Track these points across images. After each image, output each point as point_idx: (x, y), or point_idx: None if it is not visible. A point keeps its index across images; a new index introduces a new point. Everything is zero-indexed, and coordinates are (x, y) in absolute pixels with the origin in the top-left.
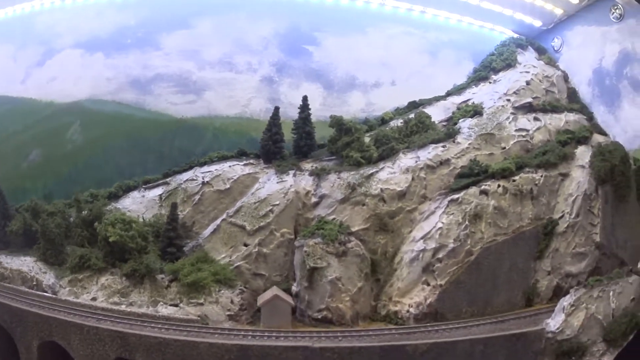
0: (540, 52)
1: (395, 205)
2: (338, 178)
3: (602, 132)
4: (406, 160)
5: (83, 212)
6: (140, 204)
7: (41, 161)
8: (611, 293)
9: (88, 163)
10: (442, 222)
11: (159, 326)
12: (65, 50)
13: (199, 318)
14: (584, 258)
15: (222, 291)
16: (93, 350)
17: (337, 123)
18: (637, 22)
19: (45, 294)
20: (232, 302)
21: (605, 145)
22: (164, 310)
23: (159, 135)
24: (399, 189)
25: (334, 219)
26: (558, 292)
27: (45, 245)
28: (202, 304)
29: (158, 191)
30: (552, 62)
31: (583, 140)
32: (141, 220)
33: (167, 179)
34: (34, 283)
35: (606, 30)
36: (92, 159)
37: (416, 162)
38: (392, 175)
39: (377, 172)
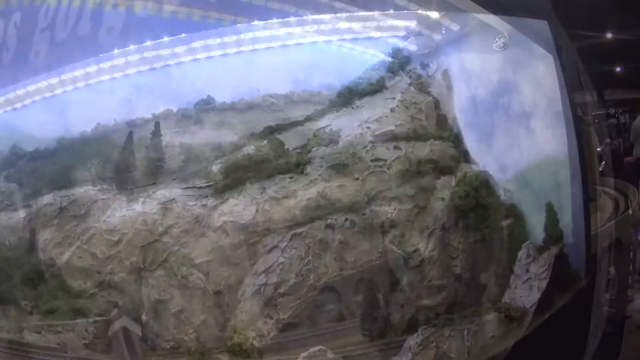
0: (413, 77)
1: (238, 238)
2: (183, 209)
3: (471, 162)
4: (252, 190)
5: None
6: (6, 227)
7: None
8: (465, 332)
9: None
10: (284, 257)
11: (24, 354)
12: None
13: (58, 346)
14: (441, 291)
15: (78, 320)
16: None
17: (186, 151)
18: (521, 52)
19: None
20: (86, 330)
21: (471, 175)
22: (29, 337)
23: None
24: (242, 221)
25: (178, 250)
26: (414, 324)
27: None
28: (60, 332)
29: (22, 214)
30: (423, 88)
31: (447, 170)
32: (7, 243)
33: (29, 202)
34: None
35: (487, 58)
36: None
37: (262, 193)
38: (235, 206)
39: (221, 203)
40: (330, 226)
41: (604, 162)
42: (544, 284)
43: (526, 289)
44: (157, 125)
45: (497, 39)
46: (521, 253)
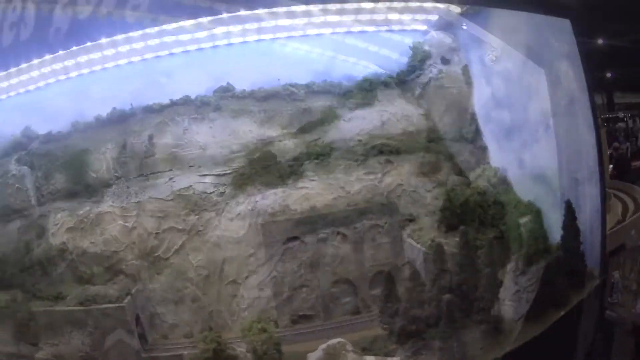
0: (405, 89)
1: (231, 252)
2: (175, 223)
3: (462, 174)
4: (245, 204)
5: None
6: (2, 236)
7: None
8: (455, 344)
9: None
10: (277, 271)
11: None
12: None
13: (55, 359)
14: (432, 302)
15: (74, 332)
16: None
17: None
18: (514, 67)
19: None
20: (82, 343)
21: (462, 188)
22: (25, 350)
23: None
24: (235, 235)
25: (172, 264)
26: (405, 334)
27: None
28: (57, 345)
29: (17, 224)
30: (415, 101)
31: (440, 183)
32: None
33: (24, 212)
34: None
35: (479, 72)
36: None
37: (254, 207)
38: (229, 221)
39: (215, 216)
40: (322, 240)
41: (611, 166)
42: (532, 296)
43: (515, 301)
44: (150, 137)
45: (489, 53)
46: (510, 266)
